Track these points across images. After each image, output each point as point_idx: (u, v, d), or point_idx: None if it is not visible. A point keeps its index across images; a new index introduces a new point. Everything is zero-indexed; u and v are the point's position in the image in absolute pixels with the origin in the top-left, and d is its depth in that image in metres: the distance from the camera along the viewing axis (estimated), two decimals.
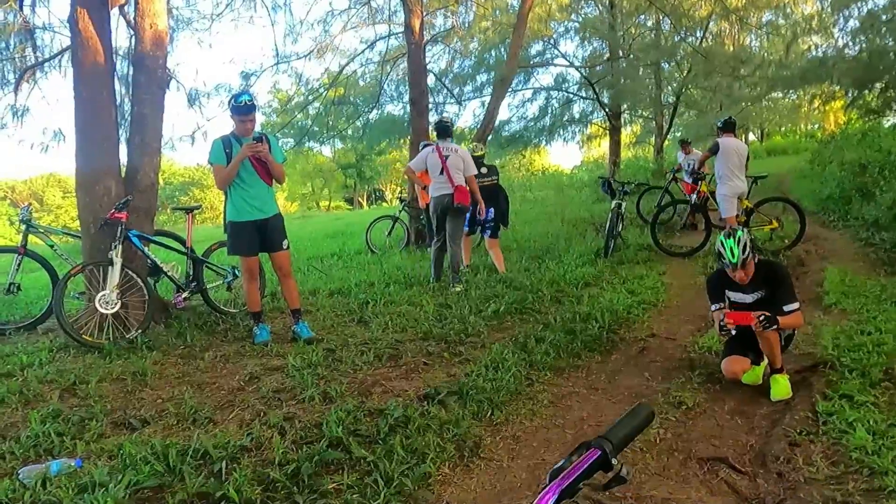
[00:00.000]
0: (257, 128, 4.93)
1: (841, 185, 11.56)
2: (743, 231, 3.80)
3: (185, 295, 5.52)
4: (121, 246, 4.84)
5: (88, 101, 5.01)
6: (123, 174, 5.29)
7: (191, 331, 5.13)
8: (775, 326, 3.58)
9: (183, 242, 5.77)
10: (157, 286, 5.80)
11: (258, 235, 4.84)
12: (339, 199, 47.77)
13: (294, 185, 41.23)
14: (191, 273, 5.65)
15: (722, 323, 3.70)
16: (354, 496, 2.55)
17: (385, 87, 14.75)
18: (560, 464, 0.95)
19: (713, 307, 4.06)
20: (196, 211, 6.10)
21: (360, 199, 45.99)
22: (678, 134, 26.42)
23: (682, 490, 2.75)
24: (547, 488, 0.91)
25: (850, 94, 18.86)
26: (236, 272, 5.86)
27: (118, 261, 4.81)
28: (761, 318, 3.54)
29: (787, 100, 24.74)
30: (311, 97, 14.83)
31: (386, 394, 3.75)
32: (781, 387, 3.68)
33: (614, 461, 0.95)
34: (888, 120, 17.80)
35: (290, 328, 5.07)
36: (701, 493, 2.73)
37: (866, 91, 17.80)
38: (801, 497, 2.60)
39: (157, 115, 5.39)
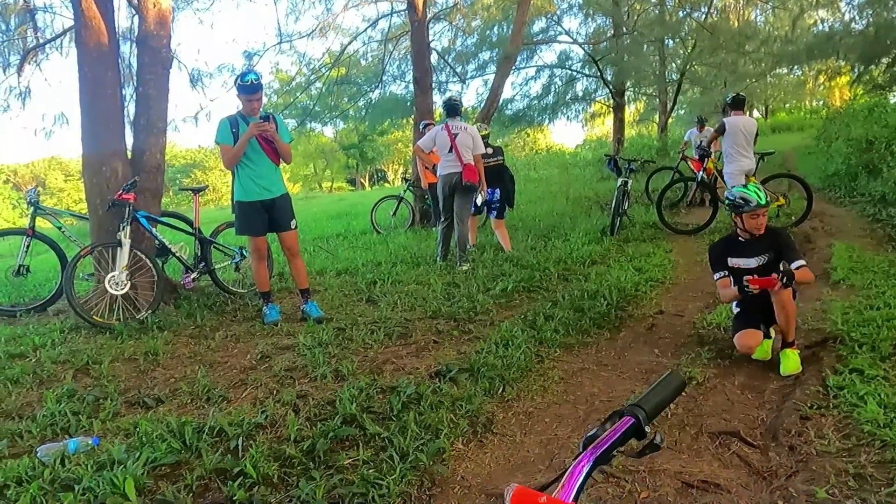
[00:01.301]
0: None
1: (847, 162, 11.49)
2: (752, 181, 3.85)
3: (193, 275, 5.53)
4: (129, 227, 4.85)
5: (93, 82, 4.98)
6: (130, 155, 5.28)
7: (200, 311, 5.15)
8: (793, 282, 3.61)
9: (190, 223, 5.77)
10: (166, 267, 5.81)
11: (266, 215, 4.84)
12: (342, 181, 47.68)
13: (296, 167, 41.11)
14: (199, 254, 5.66)
15: (747, 288, 3.70)
16: (370, 471, 2.58)
17: (387, 66, 14.64)
18: (594, 431, 0.95)
19: (716, 276, 4.06)
20: (202, 192, 6.09)
21: (362, 179, 45.91)
22: (682, 112, 26.28)
23: (694, 464, 2.77)
24: (581, 455, 0.91)
25: (856, 70, 18.69)
26: (244, 252, 5.86)
27: (127, 242, 4.81)
28: (781, 277, 3.56)
29: (792, 76, 24.52)
30: (313, 77, 14.74)
31: (397, 371, 3.77)
32: (792, 361, 3.69)
33: (647, 429, 0.95)
34: (895, 95, 17.65)
35: (299, 308, 5.09)
36: (713, 467, 2.75)
37: (873, 66, 17.63)
38: (813, 469, 2.61)
39: (161, 95, 5.37)
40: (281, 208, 4.89)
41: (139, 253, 4.98)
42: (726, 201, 4.04)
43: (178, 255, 5.51)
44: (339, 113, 16.28)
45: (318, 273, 6.72)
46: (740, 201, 3.82)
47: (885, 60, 16.86)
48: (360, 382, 3.46)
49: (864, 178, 10.27)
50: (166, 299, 5.34)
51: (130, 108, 5.61)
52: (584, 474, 0.88)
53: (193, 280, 5.55)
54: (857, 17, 17.55)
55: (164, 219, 5.61)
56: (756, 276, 3.75)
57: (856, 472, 2.51)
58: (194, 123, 8.69)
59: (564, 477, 0.88)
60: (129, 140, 5.33)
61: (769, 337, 3.97)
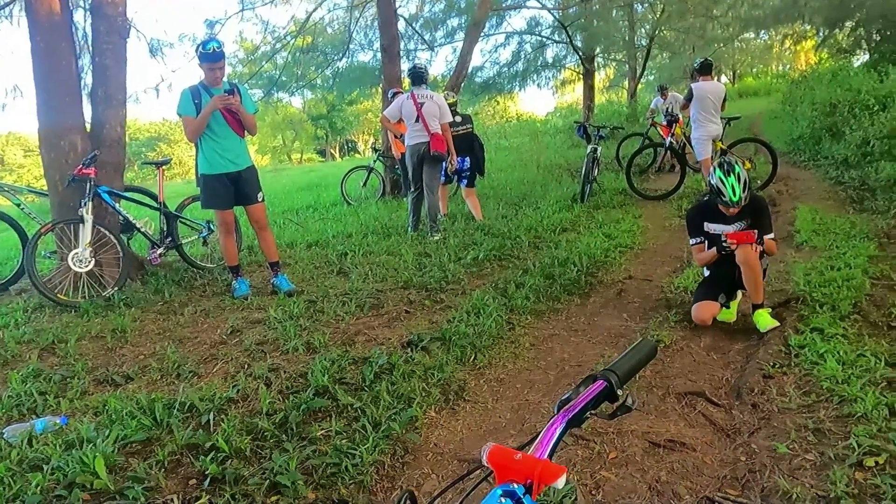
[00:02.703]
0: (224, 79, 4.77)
1: (811, 125, 11.67)
2: (740, 165, 3.81)
3: (160, 251, 5.44)
4: (91, 203, 4.73)
5: (46, 52, 4.79)
6: (89, 129, 5.12)
7: (168, 287, 5.08)
8: (762, 246, 3.76)
9: (155, 198, 5.64)
10: (131, 243, 5.70)
11: (232, 188, 4.75)
12: (311, 152, 46.99)
13: (264, 138, 40.37)
14: (165, 229, 5.55)
15: (724, 244, 3.78)
16: (343, 441, 2.59)
17: (354, 33, 14.35)
18: (568, 395, 0.97)
19: (692, 241, 4.12)
20: (166, 165, 5.94)
21: (332, 150, 45.32)
22: (651, 78, 26.32)
23: (661, 424, 2.84)
24: (555, 417, 0.93)
25: (821, 34, 18.92)
26: (211, 227, 5.77)
27: (89, 218, 4.70)
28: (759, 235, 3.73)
29: (759, 40, 24.72)
30: (278, 45, 14.39)
31: (369, 342, 3.78)
32: (766, 319, 3.79)
33: (619, 392, 0.98)
34: (858, 59, 17.91)
35: (269, 281, 5.05)
36: (679, 426, 2.82)
37: (837, 30, 17.85)
38: (775, 426, 2.70)
39: (119, 65, 5.19)
40: (247, 181, 4.81)
41: (103, 229, 4.87)
42: (707, 181, 4.06)
43: (143, 230, 5.40)
44: (307, 82, 15.96)
45: (288, 246, 6.66)
46: (716, 190, 3.83)
47: (848, 24, 17.07)
48: (332, 354, 3.46)
49: (827, 141, 10.44)
50: (133, 276, 5.24)
51: (88, 80, 5.42)
52: (556, 435, 0.91)
53: (160, 255, 5.45)
54: None
55: (128, 194, 5.48)
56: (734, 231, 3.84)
57: (815, 427, 2.60)
58: (156, 95, 8.40)
59: (538, 437, 0.90)
60: (88, 113, 5.16)
61: (727, 307, 4.05)
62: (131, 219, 5.31)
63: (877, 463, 2.27)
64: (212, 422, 2.77)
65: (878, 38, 16.63)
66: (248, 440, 2.61)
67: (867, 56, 17.25)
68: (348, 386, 3.12)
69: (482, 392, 3.30)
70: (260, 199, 4.90)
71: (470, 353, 3.61)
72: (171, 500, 2.25)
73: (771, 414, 2.81)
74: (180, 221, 5.69)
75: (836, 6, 15.42)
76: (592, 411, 0.97)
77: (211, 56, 4.52)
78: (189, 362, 3.56)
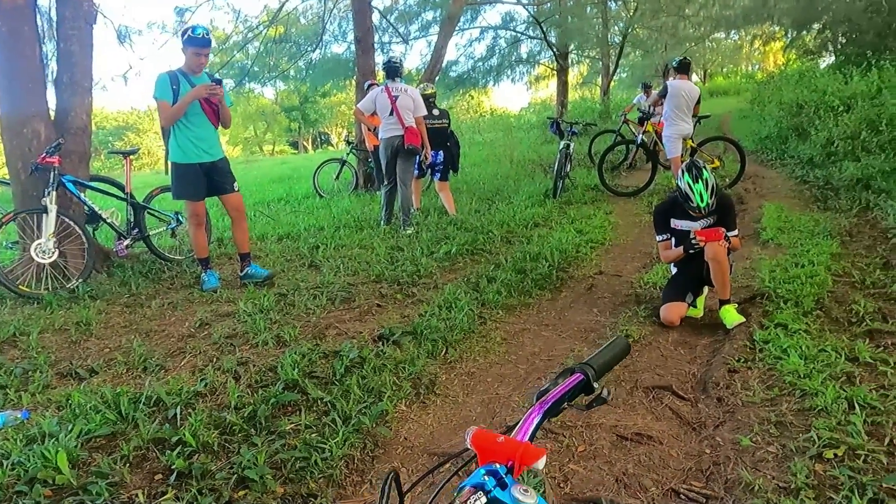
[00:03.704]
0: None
1: (779, 125, 11.91)
2: (707, 170, 3.86)
3: (126, 242, 5.33)
4: (55, 192, 4.62)
5: (9, 37, 4.65)
6: (53, 116, 5.00)
7: (135, 279, 4.99)
8: (729, 243, 3.85)
9: (122, 188, 5.53)
10: (97, 234, 5.58)
11: (205, 179, 4.69)
12: (284, 143, 46.52)
13: (235, 129, 39.83)
14: (132, 220, 5.44)
15: (693, 241, 3.85)
16: (313, 435, 2.58)
17: (328, 24, 14.22)
18: (546, 386, 1.02)
19: (659, 238, 4.18)
20: (134, 155, 5.83)
21: (305, 142, 44.92)
22: (624, 75, 26.58)
23: (629, 417, 2.88)
24: (533, 407, 0.97)
25: (789, 35, 19.30)
26: (180, 218, 5.68)
27: (53, 208, 4.59)
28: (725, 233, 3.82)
29: (729, 40, 25.10)
30: (250, 35, 14.19)
31: (340, 336, 3.75)
32: (732, 314, 3.86)
33: (595, 385, 1.04)
34: (824, 60, 18.30)
35: (239, 274, 4.99)
36: (647, 420, 2.86)
37: (805, 32, 18.22)
38: (739, 419, 2.76)
39: (85, 51, 5.06)
40: (221, 170, 4.76)
41: (67, 219, 4.76)
42: (676, 183, 4.11)
43: (109, 221, 5.29)
44: (279, 73, 15.79)
45: (259, 238, 6.58)
46: (684, 195, 3.88)
47: (816, 26, 17.43)
48: (303, 348, 3.43)
49: (794, 141, 10.67)
50: (98, 267, 5.14)
51: (52, 66, 5.28)
52: (535, 423, 0.95)
53: (127, 247, 5.35)
54: None
55: (94, 183, 5.35)
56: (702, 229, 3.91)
57: (777, 420, 2.66)
58: (124, 83, 8.24)
59: (518, 424, 0.94)
60: (52, 100, 5.04)
61: (694, 306, 4.13)
62: (97, 209, 5.20)
63: (836, 455, 2.34)
64: (179, 416, 2.72)
65: (844, 41, 17.02)
66: (215, 434, 2.58)
67: (833, 58, 17.65)
68: (318, 380, 3.10)
69: (453, 386, 3.30)
70: (236, 189, 4.86)
71: (441, 348, 3.62)
72: (136, 495, 2.21)
73: (735, 407, 2.87)
74: (148, 212, 5.58)
75: (804, 8, 15.74)
76: (570, 402, 1.01)
77: (200, 41, 4.46)
78: (156, 356, 3.50)
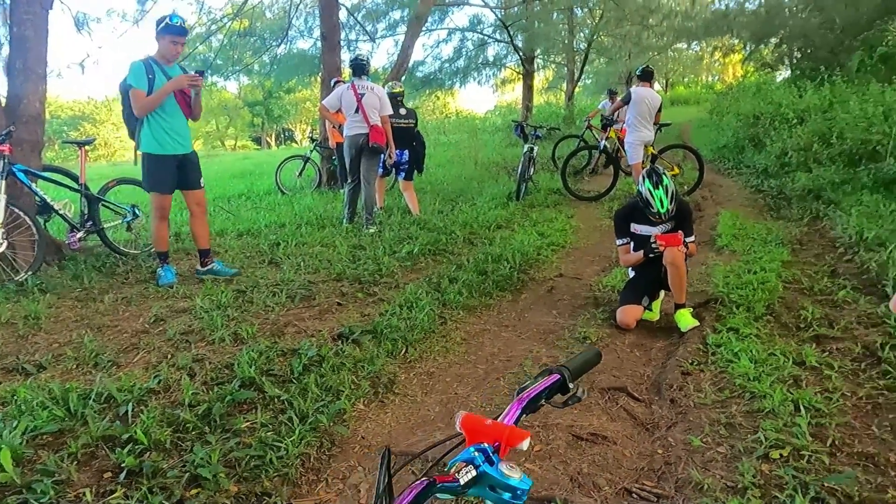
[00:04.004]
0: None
1: (736, 135, 12.25)
2: (668, 176, 3.95)
3: (79, 235, 5.18)
4: (4, 182, 4.47)
5: None
6: (4, 103, 4.83)
7: (88, 272, 4.86)
8: (687, 248, 3.95)
9: (76, 179, 5.37)
10: (49, 226, 5.40)
11: (177, 172, 4.62)
12: (246, 139, 45.82)
13: (197, 122, 39.09)
14: (86, 212, 5.29)
15: (653, 245, 3.92)
16: (269, 434, 2.55)
17: (294, 20, 14.08)
18: (526, 384, 1.10)
19: (619, 242, 4.25)
20: (89, 146, 5.66)
21: (268, 138, 44.34)
22: (588, 81, 26.92)
23: (585, 418, 2.92)
24: (513, 402, 1.04)
25: (747, 48, 19.85)
26: (136, 211, 5.55)
27: (2, 198, 4.44)
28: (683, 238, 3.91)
29: (691, 51, 25.66)
30: (213, 27, 13.94)
31: (299, 334, 3.72)
32: (687, 318, 3.95)
33: (571, 385, 1.13)
34: (780, 74, 18.88)
35: (198, 269, 4.90)
36: (602, 420, 2.91)
37: (763, 46, 18.77)
38: (691, 420, 2.82)
39: (40, 37, 4.91)
40: (192, 164, 4.73)
41: (17, 210, 4.59)
42: (637, 189, 4.18)
43: (62, 212, 5.13)
44: (243, 67, 15.54)
45: (219, 234, 6.47)
46: (645, 201, 3.97)
47: (773, 40, 17.97)
48: (260, 345, 3.39)
49: (750, 151, 10.98)
50: (49, 260, 4.98)
51: (5, 51, 5.12)
52: (515, 417, 1.02)
53: (80, 240, 5.19)
54: None
55: (46, 173, 5.18)
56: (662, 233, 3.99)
57: (727, 422, 2.74)
58: (80, 71, 8.00)
59: (502, 414, 1.02)
60: (4, 86, 4.88)
61: (650, 309, 4.21)
62: (49, 200, 5.03)
63: (781, 455, 2.41)
64: (130, 413, 2.66)
65: (799, 56, 17.59)
66: (168, 432, 2.52)
67: (789, 72, 18.22)
68: (276, 378, 3.07)
69: (412, 385, 3.30)
70: (202, 185, 4.83)
71: (401, 347, 3.62)
72: (84, 493, 2.15)
73: (688, 409, 2.94)
74: (103, 205, 5.43)
75: (763, 23, 16.23)
76: (547, 400, 1.10)
77: (178, 29, 4.43)
78: (108, 351, 3.41)
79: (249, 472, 2.35)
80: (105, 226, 5.38)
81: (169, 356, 3.35)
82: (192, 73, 4.55)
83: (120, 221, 5.57)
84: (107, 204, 5.47)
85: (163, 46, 4.46)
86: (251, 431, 2.60)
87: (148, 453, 2.39)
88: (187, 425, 2.59)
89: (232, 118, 42.24)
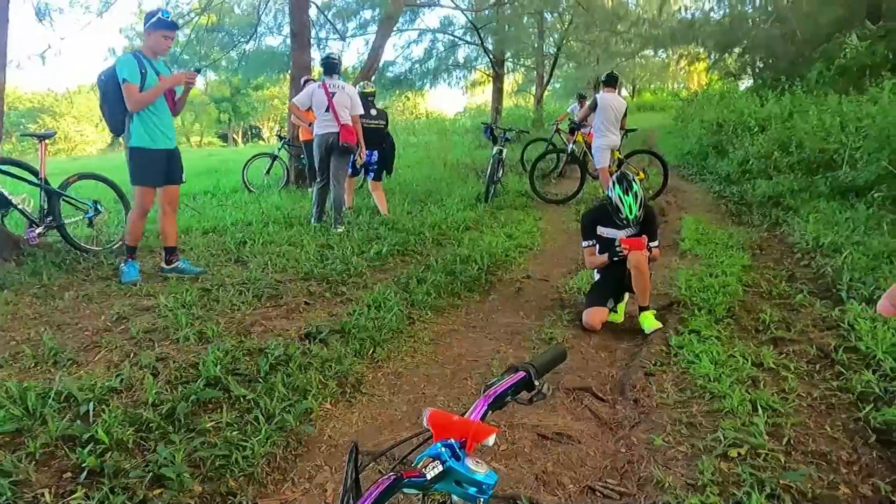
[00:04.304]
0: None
1: (700, 142, 12.51)
2: (637, 183, 4.04)
3: (38, 230, 5.04)
4: None
5: None
6: None
7: (47, 269, 4.73)
8: (651, 252, 4.04)
9: (35, 173, 5.22)
10: (6, 220, 5.26)
11: (165, 166, 4.60)
12: (212, 135, 45.13)
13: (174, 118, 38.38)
14: (45, 207, 5.15)
15: (618, 248, 4.01)
16: (234, 433, 2.53)
17: (263, 16, 13.94)
18: (493, 380, 1.13)
19: (584, 244, 4.32)
20: (49, 139, 5.52)
21: (234, 135, 43.77)
22: (557, 85, 27.18)
23: (550, 417, 2.96)
24: (480, 399, 1.07)
25: (712, 57, 20.31)
26: (98, 207, 5.44)
27: None
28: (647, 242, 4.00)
29: (657, 58, 26.11)
30: (180, 21, 13.70)
31: (266, 333, 3.69)
32: (650, 321, 4.03)
33: (536, 382, 1.15)
34: (744, 83, 19.35)
35: (163, 267, 4.82)
36: (567, 420, 2.95)
37: (727, 55, 19.23)
38: (653, 420, 2.89)
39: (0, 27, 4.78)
40: (178, 159, 4.73)
41: None
42: (605, 194, 4.26)
43: (20, 207, 4.99)
44: (210, 63, 15.32)
45: (184, 232, 6.36)
46: (614, 206, 4.06)
47: (737, 50, 18.42)
48: (226, 344, 3.35)
49: (713, 157, 11.23)
50: (7, 255, 4.84)
51: None
52: (482, 413, 1.05)
53: (39, 235, 5.06)
54: (715, 7, 18.99)
55: (4, 167, 5.04)
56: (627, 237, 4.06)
57: (688, 422, 2.81)
58: (41, 62, 7.80)
59: (469, 411, 1.04)
60: None
61: (615, 311, 4.29)
62: (6, 194, 4.90)
63: (739, 454, 2.49)
64: (91, 412, 2.61)
65: (761, 66, 18.07)
66: (130, 432, 2.48)
67: (751, 81, 18.69)
68: (242, 377, 3.04)
69: (379, 385, 3.31)
70: (184, 179, 4.86)
71: (369, 347, 3.61)
72: (42, 494, 2.11)
73: (650, 409, 3.00)
74: (63, 200, 5.30)
75: (726, 32, 16.63)
76: (513, 397, 1.13)
77: (170, 24, 4.45)
78: (68, 349, 3.34)
79: (214, 471, 2.33)
80: (65, 221, 5.25)
81: (132, 355, 3.29)
82: (191, 70, 4.63)
83: (81, 217, 5.45)
84: (68, 199, 5.34)
85: (153, 41, 4.45)
86: (216, 431, 2.58)
87: (109, 453, 2.35)
88: (150, 425, 2.56)
89: (198, 114, 41.55)
